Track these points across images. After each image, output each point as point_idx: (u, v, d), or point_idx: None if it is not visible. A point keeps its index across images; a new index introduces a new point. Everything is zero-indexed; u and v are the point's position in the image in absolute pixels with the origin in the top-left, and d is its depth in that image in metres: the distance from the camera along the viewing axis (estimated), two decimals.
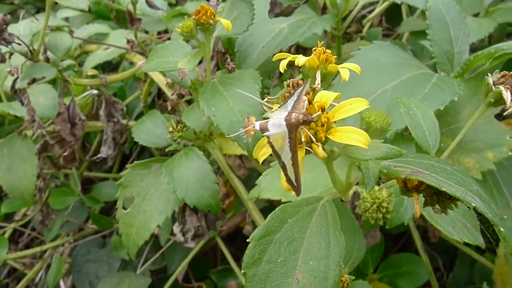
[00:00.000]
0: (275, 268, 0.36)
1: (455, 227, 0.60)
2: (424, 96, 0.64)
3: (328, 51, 0.39)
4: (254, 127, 0.34)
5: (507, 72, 0.40)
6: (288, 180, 0.33)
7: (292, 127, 0.32)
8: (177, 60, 0.66)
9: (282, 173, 0.33)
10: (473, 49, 0.89)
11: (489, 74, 0.41)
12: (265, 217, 0.91)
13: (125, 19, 1.52)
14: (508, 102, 0.38)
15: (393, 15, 1.47)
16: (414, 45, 1.21)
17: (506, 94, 0.38)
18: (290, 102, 0.33)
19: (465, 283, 1.16)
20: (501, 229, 0.34)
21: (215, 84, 0.68)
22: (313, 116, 0.31)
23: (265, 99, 0.37)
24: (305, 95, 0.34)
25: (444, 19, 0.75)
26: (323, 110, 0.32)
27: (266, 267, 0.36)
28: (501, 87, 0.39)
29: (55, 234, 1.24)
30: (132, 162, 1.40)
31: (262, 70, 0.80)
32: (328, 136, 0.32)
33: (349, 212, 0.64)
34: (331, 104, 0.33)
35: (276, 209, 0.39)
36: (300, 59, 0.38)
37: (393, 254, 1.21)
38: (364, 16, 1.43)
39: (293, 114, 0.31)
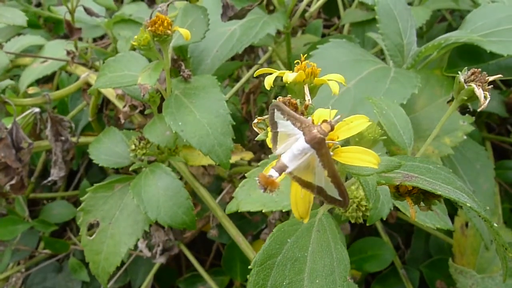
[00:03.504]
0: None
1: (427, 215, 0.62)
2: (386, 91, 0.66)
3: (313, 64, 0.38)
4: (272, 177, 0.30)
5: (476, 69, 0.42)
6: (331, 199, 0.31)
7: (320, 144, 0.30)
8: (133, 74, 0.62)
9: (294, 201, 0.32)
10: None
11: (459, 72, 0.43)
12: (230, 218, 0.90)
13: (57, 27, 1.42)
14: (482, 99, 0.40)
15: (329, 6, 1.50)
16: (356, 36, 1.25)
17: (478, 91, 0.40)
18: (293, 128, 0.31)
19: (422, 256, 1.22)
20: (495, 224, 0.35)
21: (179, 97, 0.65)
22: (332, 121, 0.29)
23: (255, 120, 0.36)
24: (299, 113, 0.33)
25: (392, 13, 0.77)
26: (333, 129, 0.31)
27: None
28: (473, 85, 0.41)
29: (5, 266, 1.15)
30: (80, 178, 1.33)
31: (217, 75, 0.78)
32: (335, 158, 0.31)
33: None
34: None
35: (274, 230, 0.38)
36: (289, 76, 0.36)
37: (355, 236, 1.25)
38: (305, 11, 1.44)
39: (314, 130, 0.30)
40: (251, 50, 1.30)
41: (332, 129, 0.30)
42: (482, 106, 0.40)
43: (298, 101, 0.35)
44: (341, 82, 0.39)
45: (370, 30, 1.11)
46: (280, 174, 0.30)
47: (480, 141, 1.10)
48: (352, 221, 0.56)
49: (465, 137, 0.73)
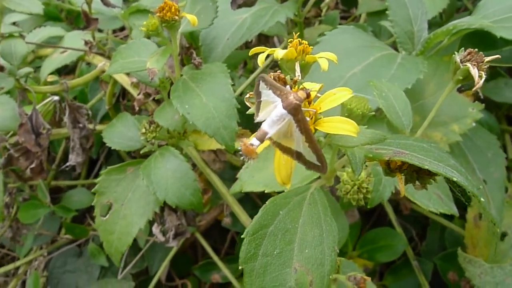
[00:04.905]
0: (272, 260, 0.37)
1: (431, 199, 0.63)
2: (391, 76, 0.66)
3: (305, 42, 0.39)
4: (253, 145, 0.31)
5: (472, 49, 0.42)
6: (310, 164, 0.33)
7: (296, 109, 0.31)
8: (143, 60, 0.65)
9: (277, 167, 0.33)
10: (428, 24, 0.92)
11: (456, 52, 0.43)
12: (244, 207, 0.92)
13: (78, 19, 1.46)
14: (476, 78, 0.40)
15: None
16: (372, 26, 1.24)
17: (473, 71, 0.40)
18: (273, 96, 0.32)
19: (438, 249, 1.21)
20: (482, 199, 0.36)
21: (186, 81, 0.67)
22: (308, 89, 0.31)
23: (247, 95, 0.37)
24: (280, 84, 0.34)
25: (402, 0, 0.77)
26: (309, 102, 0.32)
27: (263, 260, 0.37)
28: (468, 64, 0.41)
29: (28, 249, 1.20)
30: (100, 166, 1.38)
31: (228, 63, 0.80)
32: (317, 128, 0.32)
33: (329, 195, 0.65)
34: (316, 95, 0.33)
35: (266, 202, 0.39)
36: (279, 52, 0.38)
37: (368, 228, 1.25)
38: (320, 0, 1.44)
39: (290, 97, 0.31)
40: (266, 40, 1.31)
41: (308, 96, 0.31)
42: (477, 86, 0.40)
43: (288, 77, 0.36)
44: (333, 60, 0.40)
45: (386, 20, 1.11)
46: (261, 142, 0.31)
47: (499, 133, 1.08)
48: (354, 203, 0.57)
49: (474, 124, 0.73)
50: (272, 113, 0.32)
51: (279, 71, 0.36)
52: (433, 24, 1.25)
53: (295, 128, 0.31)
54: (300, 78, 0.36)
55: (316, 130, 0.33)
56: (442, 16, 1.31)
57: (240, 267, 0.37)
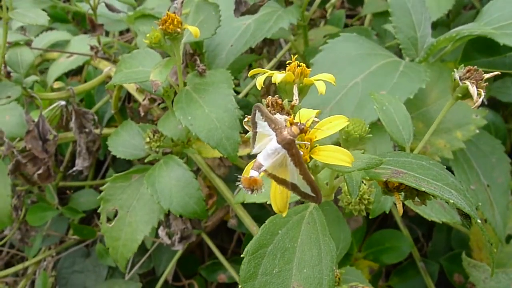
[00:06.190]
0: (271, 279, 0.37)
1: (433, 209, 0.63)
2: (394, 86, 0.66)
3: (303, 64, 0.39)
4: (252, 177, 0.32)
5: (471, 67, 0.42)
6: (305, 195, 0.33)
7: (290, 144, 0.32)
8: (147, 70, 0.65)
9: (273, 196, 0.34)
10: (434, 24, 0.92)
11: (455, 69, 0.43)
12: (250, 208, 0.93)
13: (85, 21, 1.47)
14: (475, 97, 0.40)
15: None
16: (378, 27, 1.23)
17: (472, 89, 0.40)
18: (268, 129, 0.33)
19: (444, 249, 1.21)
20: (478, 220, 0.36)
21: (189, 92, 0.67)
22: (302, 124, 0.32)
23: (246, 119, 0.38)
24: (277, 114, 0.34)
25: (405, 5, 0.76)
26: (305, 131, 0.33)
27: (262, 279, 0.37)
28: (467, 82, 0.41)
29: (37, 250, 1.22)
30: (107, 167, 1.39)
31: (233, 68, 0.80)
32: (312, 156, 0.33)
33: (332, 204, 0.66)
34: (313, 121, 0.34)
35: (266, 221, 0.40)
36: (277, 76, 0.38)
37: (374, 230, 1.25)
38: (325, 0, 1.43)
39: (284, 132, 0.32)
40: (271, 43, 1.31)
41: (301, 131, 0.31)
42: (476, 104, 0.40)
43: (286, 100, 0.36)
44: (331, 82, 0.40)
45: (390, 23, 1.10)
46: (259, 173, 0.32)
47: (505, 133, 1.07)
48: (355, 214, 0.57)
49: (477, 131, 0.72)
50: (267, 146, 0.32)
51: (276, 96, 0.37)
52: (439, 24, 1.24)
53: (289, 161, 0.32)
54: (298, 102, 0.37)
55: (311, 158, 0.33)
56: (449, 15, 1.30)
57: (240, 286, 0.37)
